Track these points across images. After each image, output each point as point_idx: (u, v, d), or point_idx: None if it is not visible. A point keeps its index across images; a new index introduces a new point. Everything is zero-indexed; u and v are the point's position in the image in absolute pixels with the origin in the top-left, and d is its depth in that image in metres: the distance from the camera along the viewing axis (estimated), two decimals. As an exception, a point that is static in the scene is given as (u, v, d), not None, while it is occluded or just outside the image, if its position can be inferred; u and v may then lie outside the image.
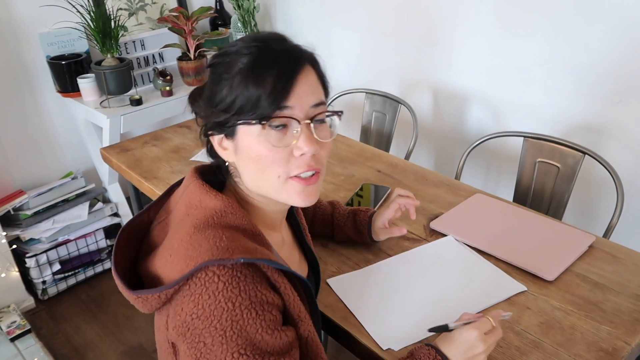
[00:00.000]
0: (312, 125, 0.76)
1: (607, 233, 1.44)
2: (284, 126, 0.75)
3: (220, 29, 2.72)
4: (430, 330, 0.87)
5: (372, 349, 0.95)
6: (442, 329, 0.85)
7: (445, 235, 1.24)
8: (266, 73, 0.73)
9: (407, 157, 1.92)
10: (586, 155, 1.53)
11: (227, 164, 0.83)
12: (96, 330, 2.13)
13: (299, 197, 0.78)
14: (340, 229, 1.20)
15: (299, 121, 0.74)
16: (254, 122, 0.73)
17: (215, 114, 0.77)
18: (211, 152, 0.85)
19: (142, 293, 0.73)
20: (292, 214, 0.99)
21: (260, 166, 0.76)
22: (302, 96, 0.75)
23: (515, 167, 1.72)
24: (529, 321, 0.99)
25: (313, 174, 0.78)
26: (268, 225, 0.87)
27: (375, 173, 1.56)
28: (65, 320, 2.20)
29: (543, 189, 1.62)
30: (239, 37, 2.63)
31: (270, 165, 0.76)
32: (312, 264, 1.02)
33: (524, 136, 1.66)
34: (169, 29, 2.36)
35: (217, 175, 0.86)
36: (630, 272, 1.10)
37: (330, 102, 2.15)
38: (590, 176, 1.78)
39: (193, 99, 0.85)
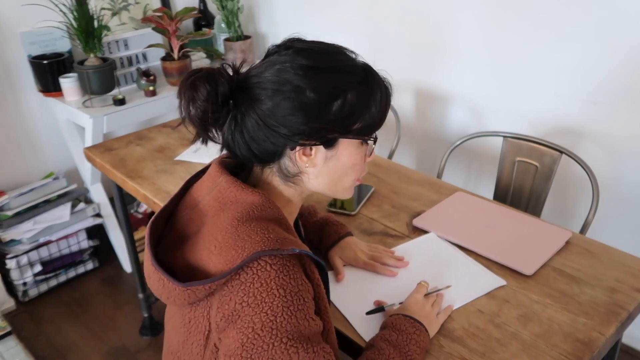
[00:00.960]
0: None
1: (584, 229, 1.49)
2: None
3: (204, 29, 2.72)
4: (368, 313, 1.02)
5: (357, 342, 0.97)
6: (379, 310, 1.02)
7: (427, 232, 1.27)
8: (381, 95, 0.82)
9: (390, 156, 1.95)
10: (563, 155, 1.57)
11: (294, 168, 0.83)
12: (79, 332, 2.11)
13: (350, 193, 0.90)
14: (305, 233, 1.20)
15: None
16: (369, 138, 0.84)
17: (322, 129, 0.79)
18: (252, 151, 0.82)
19: (193, 285, 0.73)
20: None
21: (347, 172, 0.85)
22: None
23: (495, 166, 1.76)
24: (508, 314, 1.02)
25: None
26: (290, 217, 0.91)
27: (358, 172, 1.58)
28: (46, 321, 2.18)
29: (522, 187, 1.66)
30: (223, 37, 2.64)
31: (356, 171, 0.86)
32: None
33: (504, 136, 1.69)
34: (153, 29, 2.36)
35: (237, 168, 0.89)
36: (604, 266, 1.14)
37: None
38: (567, 175, 1.82)
39: (299, 111, 0.78)
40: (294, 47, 0.81)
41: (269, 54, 0.84)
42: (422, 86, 2.24)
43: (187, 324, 0.80)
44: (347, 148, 0.82)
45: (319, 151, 0.81)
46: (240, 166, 0.90)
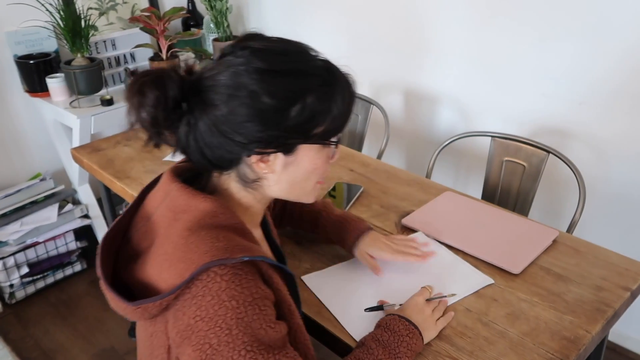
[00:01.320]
0: None
1: (570, 228, 1.50)
2: None
3: (192, 29, 2.71)
4: (367, 310, 1.02)
5: (347, 341, 0.97)
6: (378, 309, 1.02)
7: (415, 232, 1.27)
8: (343, 96, 0.79)
9: (379, 156, 1.95)
10: (550, 155, 1.58)
11: (254, 174, 0.81)
12: (66, 334, 2.10)
13: (314, 197, 0.88)
14: (324, 231, 1.19)
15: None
16: (332, 144, 0.81)
17: (280, 135, 0.76)
18: (206, 157, 0.78)
19: (143, 303, 0.71)
20: None
21: (308, 176, 0.83)
22: None
23: (483, 166, 1.77)
24: (496, 312, 1.03)
25: None
26: (253, 223, 0.89)
27: (348, 172, 1.59)
28: (34, 324, 2.16)
29: (510, 187, 1.67)
30: (212, 37, 2.63)
31: (317, 175, 0.84)
32: (280, 259, 1.02)
33: (492, 136, 1.71)
34: (141, 29, 2.34)
35: (194, 174, 0.86)
36: (591, 265, 1.15)
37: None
38: (554, 174, 1.84)
39: (180, 100, 0.75)
40: (250, 48, 0.76)
41: (224, 54, 0.78)
42: (410, 86, 2.25)
43: (150, 337, 0.78)
44: (307, 153, 0.80)
45: (278, 158, 0.78)
46: (198, 172, 0.87)
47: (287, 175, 0.81)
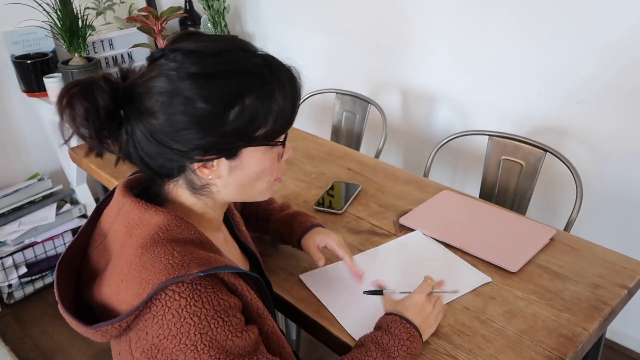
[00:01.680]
0: None
1: (568, 227, 1.51)
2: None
3: (190, 29, 2.71)
4: (366, 292, 1.05)
5: (345, 340, 0.98)
6: (377, 293, 1.04)
7: (413, 231, 1.28)
8: (285, 94, 0.76)
9: (377, 155, 1.96)
10: (547, 153, 1.59)
11: (201, 180, 0.78)
12: (64, 334, 2.09)
13: (270, 193, 0.86)
14: (275, 227, 1.18)
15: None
16: (276, 142, 0.78)
17: (219, 141, 0.72)
18: (149, 167, 0.76)
19: (101, 326, 0.69)
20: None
21: (258, 178, 0.80)
22: None
23: (480, 164, 1.77)
24: (493, 310, 1.03)
25: None
26: (213, 227, 0.87)
27: (346, 171, 1.59)
28: (32, 324, 2.16)
29: (507, 186, 1.68)
30: (209, 37, 2.63)
31: (268, 175, 0.81)
32: (253, 259, 1.02)
33: (489, 135, 1.71)
34: (138, 28, 2.35)
35: (147, 186, 0.83)
36: (588, 263, 1.16)
37: (301, 102, 2.17)
38: (551, 173, 1.85)
39: (113, 109, 0.71)
40: (181, 50, 0.72)
41: (155, 57, 0.74)
42: (408, 85, 2.25)
43: (118, 355, 0.76)
44: (253, 155, 0.77)
45: (222, 163, 0.76)
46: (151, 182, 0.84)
47: (234, 179, 0.78)
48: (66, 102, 0.68)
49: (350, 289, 1.09)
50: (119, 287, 0.71)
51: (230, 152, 0.75)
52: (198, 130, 0.71)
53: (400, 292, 1.02)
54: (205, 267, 0.70)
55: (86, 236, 0.83)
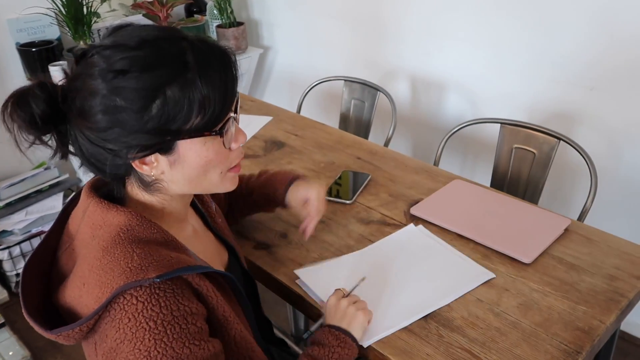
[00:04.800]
0: (235, 116, 0.76)
1: (581, 216, 1.48)
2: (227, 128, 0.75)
3: (196, 16, 2.67)
4: (306, 335, 0.99)
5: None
6: (316, 326, 1.00)
7: (425, 221, 1.25)
8: (211, 77, 0.70)
9: (386, 144, 1.93)
10: (561, 142, 1.56)
11: (136, 176, 0.76)
12: (73, 323, 2.10)
13: (232, 185, 0.82)
14: (257, 188, 1.16)
15: (233, 118, 0.75)
16: (210, 133, 0.72)
17: (147, 137, 0.69)
18: (97, 167, 0.74)
19: (61, 331, 0.69)
20: (194, 202, 0.94)
21: (204, 170, 0.76)
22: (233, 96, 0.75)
23: (490, 153, 1.74)
24: (507, 303, 1.01)
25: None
26: (177, 219, 0.84)
27: (355, 160, 1.56)
28: (40, 313, 2.17)
29: (519, 175, 1.65)
30: (215, 24, 2.60)
31: (216, 166, 0.76)
32: (233, 252, 0.99)
33: (501, 123, 1.68)
34: (144, 15, 2.32)
35: (117, 189, 0.81)
36: (603, 254, 1.13)
37: (307, 90, 2.15)
38: (564, 162, 1.81)
39: (50, 115, 0.70)
40: (101, 46, 0.69)
41: (77, 56, 0.72)
42: (417, 73, 2.21)
43: (87, 357, 0.76)
44: (190, 148, 0.72)
45: (160, 159, 0.73)
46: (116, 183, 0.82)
47: (178, 174, 0.75)
48: (8, 113, 0.68)
49: (348, 288, 1.03)
50: (81, 291, 0.70)
51: (164, 147, 0.71)
52: (121, 128, 0.68)
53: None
54: (165, 270, 0.69)
55: (54, 239, 0.81)
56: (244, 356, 0.80)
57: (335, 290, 0.98)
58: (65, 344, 0.72)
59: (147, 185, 0.77)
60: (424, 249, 1.16)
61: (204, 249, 0.89)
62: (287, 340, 1.19)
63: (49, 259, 0.80)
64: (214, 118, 0.71)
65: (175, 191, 0.79)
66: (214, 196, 1.08)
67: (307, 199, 1.11)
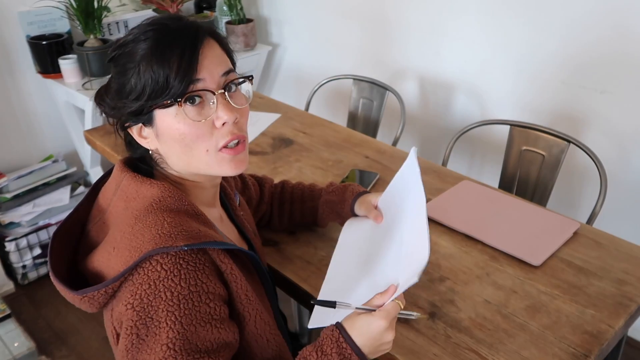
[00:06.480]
0: (226, 93, 0.77)
1: (590, 220, 1.47)
2: (200, 100, 0.75)
3: (205, 12, 2.67)
4: (314, 302, 0.79)
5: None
6: (329, 305, 0.77)
7: (432, 221, 1.25)
8: (170, 52, 0.73)
9: (395, 143, 1.92)
10: (570, 144, 1.55)
11: (150, 152, 0.82)
12: (78, 315, 2.10)
13: (229, 167, 0.80)
14: (324, 194, 1.15)
15: (213, 92, 0.76)
16: (169, 102, 0.74)
17: (128, 105, 0.76)
18: (130, 145, 0.84)
19: (87, 292, 0.71)
20: (220, 195, 0.96)
21: (185, 144, 0.76)
22: (211, 67, 0.75)
23: (498, 155, 1.74)
24: (515, 305, 1.01)
25: (238, 143, 0.79)
26: (205, 203, 0.87)
27: (363, 159, 1.56)
28: (46, 305, 2.18)
29: (528, 177, 1.64)
30: (225, 20, 2.60)
31: (195, 141, 0.76)
32: (252, 247, 0.98)
33: (511, 124, 1.67)
34: (154, 10, 2.32)
35: (143, 165, 0.85)
36: (613, 258, 1.12)
37: (316, 88, 2.15)
38: (574, 164, 1.81)
39: (100, 98, 0.82)
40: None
41: None
42: (426, 73, 2.21)
43: (105, 326, 0.78)
44: (163, 119, 0.75)
45: (148, 131, 0.79)
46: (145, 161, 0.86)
47: (165, 147, 0.78)
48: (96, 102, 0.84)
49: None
50: (110, 255, 0.73)
51: (145, 119, 0.77)
52: (117, 96, 0.77)
53: (357, 308, 0.77)
54: (193, 241, 0.71)
55: (83, 212, 0.84)
56: (264, 338, 0.81)
57: (394, 303, 0.76)
58: (89, 310, 0.74)
59: (156, 161, 0.82)
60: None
61: (227, 234, 0.90)
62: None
63: (77, 231, 0.83)
64: (174, 89, 0.73)
65: (178, 167, 0.81)
66: (244, 192, 1.10)
67: (377, 204, 1.08)
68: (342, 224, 1.14)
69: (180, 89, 0.73)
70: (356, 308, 0.77)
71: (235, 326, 0.76)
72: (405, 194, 0.96)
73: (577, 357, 0.89)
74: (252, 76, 0.83)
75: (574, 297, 1.02)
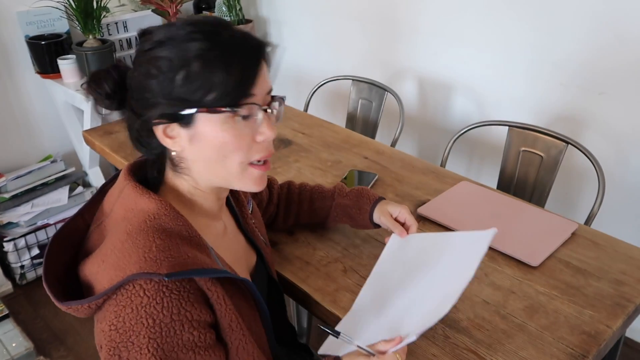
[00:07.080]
0: (269, 111, 0.78)
1: (588, 220, 1.48)
2: (249, 114, 0.75)
3: (204, 12, 2.68)
4: (321, 327, 0.85)
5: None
6: (333, 333, 0.83)
7: (432, 222, 1.25)
8: (233, 59, 0.72)
9: (393, 144, 1.93)
10: (569, 145, 1.55)
11: (172, 153, 0.78)
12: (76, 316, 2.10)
13: (255, 184, 0.80)
14: (338, 198, 1.14)
15: (264, 108, 0.76)
16: (225, 109, 0.73)
17: (169, 104, 0.73)
18: (139, 142, 0.80)
19: (70, 304, 0.71)
20: (229, 202, 0.95)
21: (222, 154, 0.75)
22: (263, 84, 0.76)
23: (497, 156, 1.74)
24: (514, 305, 1.01)
25: (266, 160, 0.80)
26: (209, 215, 0.85)
27: (362, 159, 1.57)
28: (44, 305, 2.17)
29: (526, 178, 1.65)
30: (223, 21, 2.60)
31: (233, 152, 0.76)
32: (263, 255, 0.98)
33: (509, 125, 1.68)
34: (153, 10, 2.32)
35: (151, 171, 0.83)
36: (610, 259, 1.13)
37: (315, 89, 2.15)
38: (571, 166, 1.81)
39: (117, 91, 0.78)
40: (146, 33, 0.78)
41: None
42: (425, 74, 2.21)
43: (95, 332, 0.76)
44: (207, 124, 0.73)
45: (180, 132, 0.74)
46: (155, 168, 0.84)
47: (197, 151, 0.76)
48: (87, 88, 0.79)
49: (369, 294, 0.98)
50: (99, 267, 0.72)
51: (184, 119, 0.74)
52: (151, 93, 0.73)
53: (358, 346, 0.80)
54: (177, 269, 0.69)
55: (87, 213, 0.84)
56: None
57: (393, 354, 0.78)
58: (78, 316, 0.74)
59: (175, 165, 0.79)
60: (421, 248, 1.02)
61: (232, 249, 0.88)
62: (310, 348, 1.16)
63: (81, 232, 0.82)
64: (229, 97, 0.73)
65: (198, 174, 0.79)
66: (255, 195, 1.08)
67: (398, 215, 1.07)
68: (353, 227, 1.17)
69: (236, 99, 0.73)
70: (358, 346, 0.79)
71: (222, 350, 0.75)
72: (456, 257, 0.95)
73: (575, 357, 0.90)
74: (285, 97, 0.83)
75: (572, 297, 1.02)
